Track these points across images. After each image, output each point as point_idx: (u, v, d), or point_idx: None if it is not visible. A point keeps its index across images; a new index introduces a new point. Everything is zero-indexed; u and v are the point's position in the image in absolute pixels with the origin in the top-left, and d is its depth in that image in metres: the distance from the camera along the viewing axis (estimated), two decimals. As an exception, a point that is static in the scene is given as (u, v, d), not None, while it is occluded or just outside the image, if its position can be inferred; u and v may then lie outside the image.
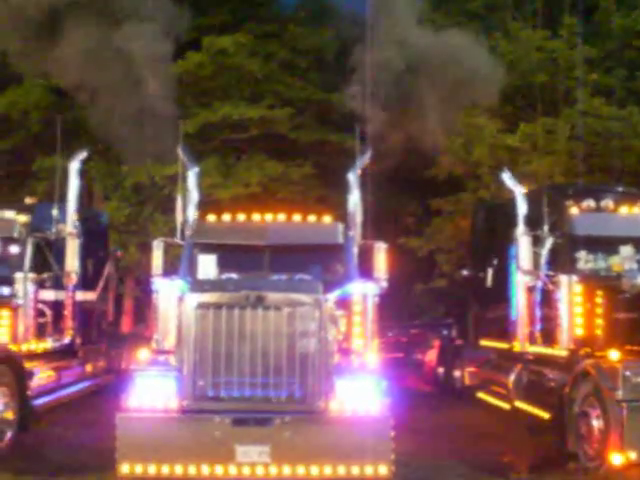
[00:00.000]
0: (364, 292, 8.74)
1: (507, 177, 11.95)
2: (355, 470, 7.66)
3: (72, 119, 20.20)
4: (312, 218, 10.82)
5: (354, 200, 10.87)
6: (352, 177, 10.96)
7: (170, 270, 10.51)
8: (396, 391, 8.64)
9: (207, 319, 8.00)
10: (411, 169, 22.46)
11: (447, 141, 20.09)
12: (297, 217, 10.82)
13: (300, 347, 7.94)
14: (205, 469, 7.78)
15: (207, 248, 10.37)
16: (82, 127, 20.09)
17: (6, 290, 10.50)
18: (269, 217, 10.76)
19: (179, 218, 10.93)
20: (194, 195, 11.16)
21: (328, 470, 7.69)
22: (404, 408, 9.07)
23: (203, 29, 22.93)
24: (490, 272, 14.05)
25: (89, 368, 13.01)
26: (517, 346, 11.80)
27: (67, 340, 11.96)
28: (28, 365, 10.30)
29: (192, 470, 7.77)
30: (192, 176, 11.30)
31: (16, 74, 21.99)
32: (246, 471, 7.77)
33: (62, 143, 13.23)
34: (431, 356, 17.44)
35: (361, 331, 8.73)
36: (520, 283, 11.55)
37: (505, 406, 12.22)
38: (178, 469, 7.77)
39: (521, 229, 11.37)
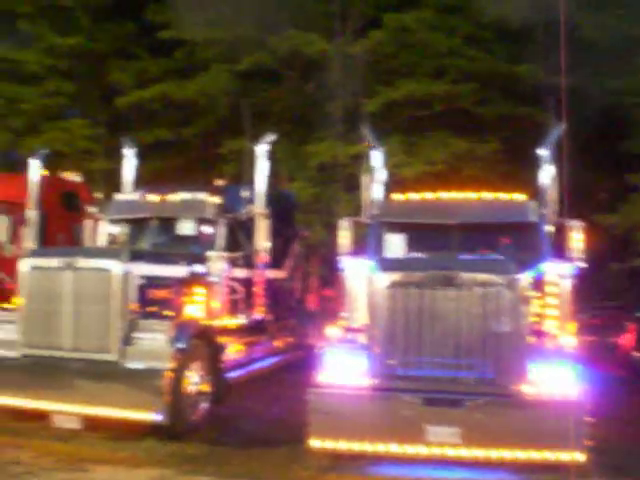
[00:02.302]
0: (559, 272, 8.39)
1: None
2: (549, 455, 7.43)
3: (258, 102, 20.77)
4: (503, 196, 10.49)
5: (546, 176, 10.41)
6: (544, 152, 10.50)
7: (355, 249, 10.52)
8: (590, 375, 8.24)
9: (397, 298, 7.98)
10: (606, 141, 21.38)
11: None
12: (487, 195, 10.52)
13: (492, 328, 7.77)
14: (395, 447, 7.82)
15: (395, 227, 10.30)
16: (267, 110, 20.62)
17: (201, 268, 10.86)
18: (458, 195, 10.54)
19: (365, 197, 10.90)
20: (380, 174, 11.09)
21: (520, 454, 7.53)
22: (598, 393, 8.65)
23: (383, 7, 22.83)
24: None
25: (278, 344, 13.30)
26: None
27: (258, 316, 12.27)
28: (222, 340, 10.64)
29: (381, 448, 7.85)
30: (377, 155, 11.23)
31: (203, 61, 22.84)
32: (436, 451, 7.76)
33: (249, 126, 13.56)
34: (626, 340, 16.60)
35: (556, 313, 8.40)
36: None
37: None
38: (368, 446, 7.89)
39: None
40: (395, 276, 8.08)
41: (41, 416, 9.79)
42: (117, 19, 25.39)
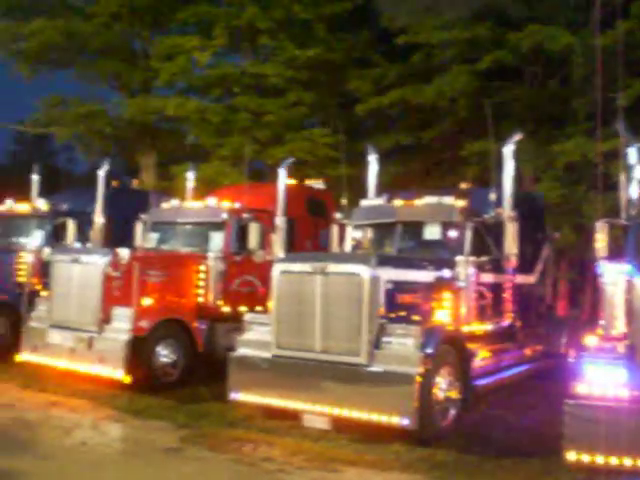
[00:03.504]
0: None
1: None
2: None
3: (498, 102, 20.30)
4: None
5: None
6: None
7: (612, 252, 9.92)
8: None
9: (663, 306, 7.45)
10: None
11: None
12: None
13: None
14: (656, 463, 7.32)
15: (657, 228, 9.59)
16: (510, 109, 20.12)
17: (448, 273, 10.70)
18: None
19: (622, 197, 10.26)
20: (637, 172, 10.39)
21: None
22: None
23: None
24: None
25: (527, 352, 12.86)
26: None
27: (506, 323, 11.94)
28: (470, 346, 10.46)
29: (642, 463, 7.35)
30: (633, 151, 10.53)
31: (440, 63, 22.69)
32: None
33: (491, 126, 13.26)
34: None
35: None
36: None
37: None
38: (627, 462, 7.49)
39: None
40: (660, 281, 7.55)
41: (292, 415, 10.08)
42: (353, 28, 25.86)
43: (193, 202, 15.43)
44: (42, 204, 17.14)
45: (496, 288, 11.74)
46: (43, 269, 14.87)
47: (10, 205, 17.59)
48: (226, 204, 14.42)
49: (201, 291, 13.65)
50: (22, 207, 17.41)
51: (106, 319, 12.43)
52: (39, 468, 8.42)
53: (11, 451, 9.05)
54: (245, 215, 14.25)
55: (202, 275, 13.64)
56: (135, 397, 11.86)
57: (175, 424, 10.45)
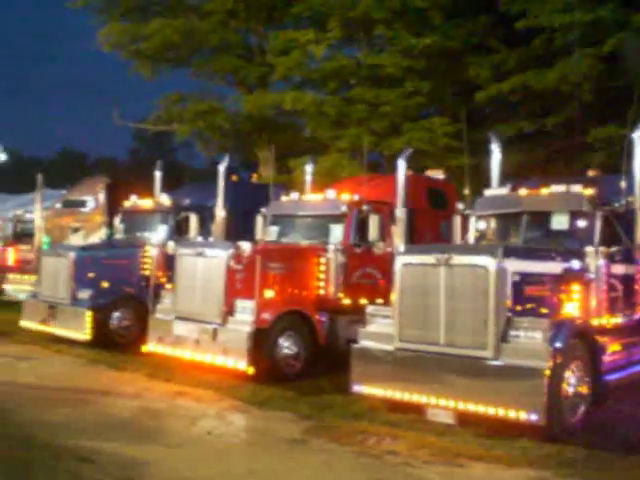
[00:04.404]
0: None
1: None
2: None
3: (624, 85, 19.55)
4: None
5: None
6: None
7: None
8: None
9: None
10: None
11: None
12: None
13: None
14: None
15: None
16: (636, 93, 19.22)
17: (577, 264, 10.36)
18: None
19: None
20: None
21: None
22: None
23: None
24: None
25: (659, 346, 12.32)
26: None
27: (638, 316, 11.44)
28: (600, 340, 10.07)
29: None
30: None
31: (563, 47, 22.01)
32: None
33: (617, 111, 12.73)
34: None
35: None
36: None
37: None
38: None
39: None
40: None
41: (415, 409, 9.97)
42: (469, 14, 25.34)
43: (312, 195, 15.51)
44: (165, 199, 17.62)
45: (627, 279, 11.27)
46: (167, 262, 15.25)
47: (134, 201, 18.17)
48: (345, 196, 14.43)
49: (322, 283, 13.70)
50: (146, 203, 17.94)
51: (229, 311, 12.63)
52: (167, 456, 8.61)
53: (140, 440, 9.30)
54: (365, 207, 14.21)
55: (322, 267, 13.69)
56: (258, 388, 12.00)
57: (298, 415, 10.50)
